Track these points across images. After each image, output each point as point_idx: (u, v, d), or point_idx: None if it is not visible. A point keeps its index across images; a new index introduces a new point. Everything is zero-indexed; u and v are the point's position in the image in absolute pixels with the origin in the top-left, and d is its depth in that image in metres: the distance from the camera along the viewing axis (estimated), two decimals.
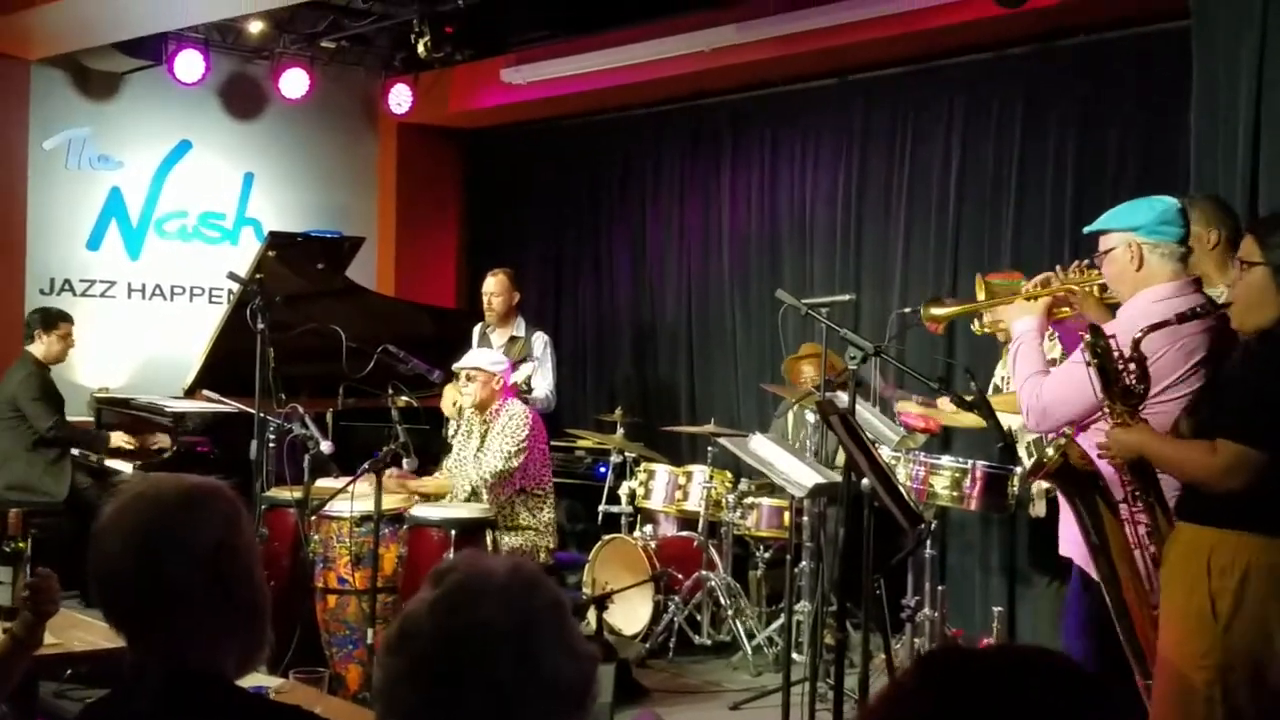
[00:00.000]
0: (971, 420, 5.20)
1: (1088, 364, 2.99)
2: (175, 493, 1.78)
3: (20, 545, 3.27)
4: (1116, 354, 2.97)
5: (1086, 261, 3.83)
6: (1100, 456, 2.99)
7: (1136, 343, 2.97)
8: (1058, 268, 3.93)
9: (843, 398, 4.81)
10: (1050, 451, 3.03)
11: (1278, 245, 2.77)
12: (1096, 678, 1.10)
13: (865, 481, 3.11)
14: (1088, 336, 2.99)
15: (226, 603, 1.76)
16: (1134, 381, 2.96)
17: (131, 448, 6.54)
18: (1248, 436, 2.72)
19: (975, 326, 3.87)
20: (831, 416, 3.10)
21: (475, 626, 1.46)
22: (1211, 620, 2.73)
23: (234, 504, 1.84)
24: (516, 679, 1.45)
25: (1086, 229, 3.53)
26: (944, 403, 4.82)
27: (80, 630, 3.45)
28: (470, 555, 1.87)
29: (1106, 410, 2.99)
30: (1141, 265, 3.26)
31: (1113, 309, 3.49)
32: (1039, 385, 3.32)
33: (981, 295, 3.82)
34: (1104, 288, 3.63)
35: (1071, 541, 3.43)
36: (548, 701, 1.47)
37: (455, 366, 5.54)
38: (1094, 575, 3.29)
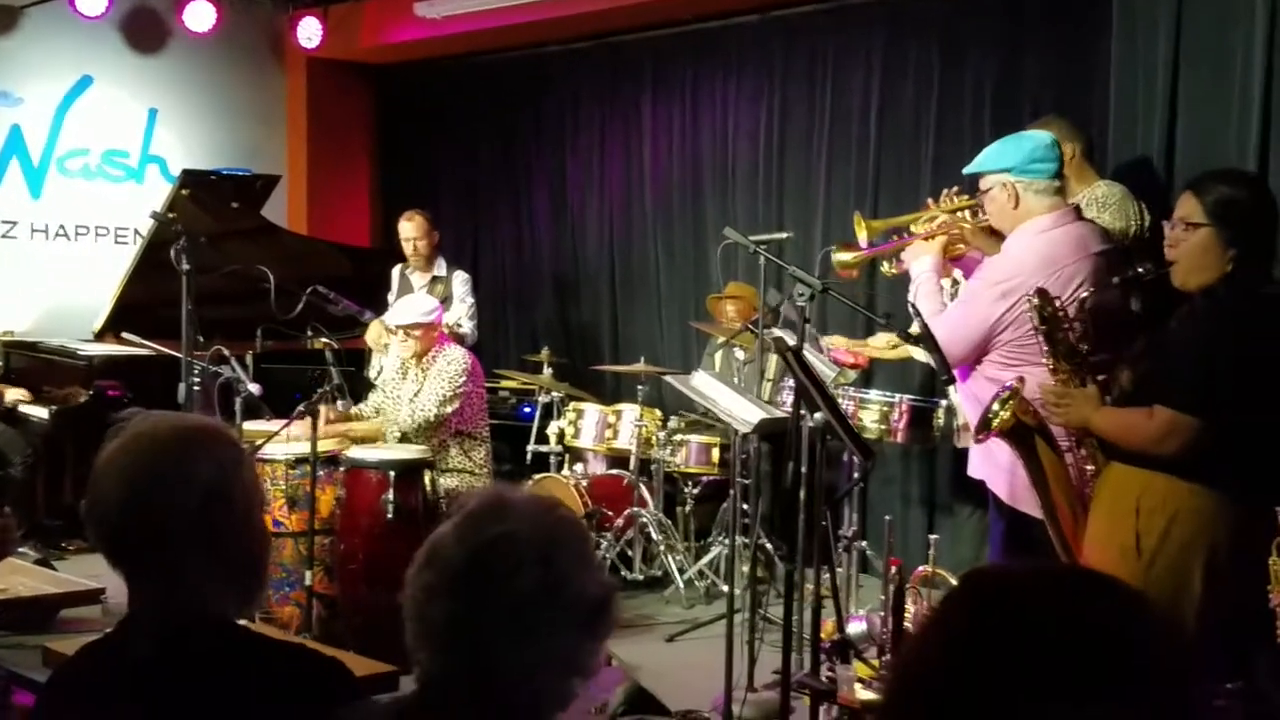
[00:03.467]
0: (897, 354, 5.32)
1: (1035, 328, 3.10)
2: (172, 434, 1.76)
3: None
4: (1062, 314, 3.07)
5: (956, 189, 3.97)
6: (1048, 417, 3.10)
7: (1083, 302, 3.08)
8: (929, 200, 4.05)
9: (776, 333, 4.88)
10: (996, 407, 3.13)
11: (1218, 203, 2.85)
12: (1136, 592, 1.11)
13: (818, 416, 3.17)
14: (1035, 300, 3.10)
15: (221, 546, 1.75)
16: (1077, 340, 3.08)
17: (28, 401, 6.36)
18: (1184, 403, 2.81)
19: (885, 268, 3.98)
20: (785, 352, 3.15)
21: (501, 537, 1.51)
22: (1135, 555, 2.84)
23: (234, 447, 1.82)
24: (540, 591, 1.49)
25: (965, 170, 3.66)
26: (876, 337, 4.93)
27: (22, 575, 3.38)
28: (491, 487, 1.88)
29: (1050, 369, 3.10)
30: (1018, 203, 3.42)
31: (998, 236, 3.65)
32: (936, 326, 3.45)
33: (862, 235, 3.94)
34: (974, 212, 3.79)
35: (982, 463, 3.56)
36: (568, 619, 1.52)
37: (391, 323, 5.45)
38: (1005, 500, 3.43)
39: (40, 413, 6.29)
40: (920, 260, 3.65)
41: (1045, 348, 3.09)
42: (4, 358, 6.84)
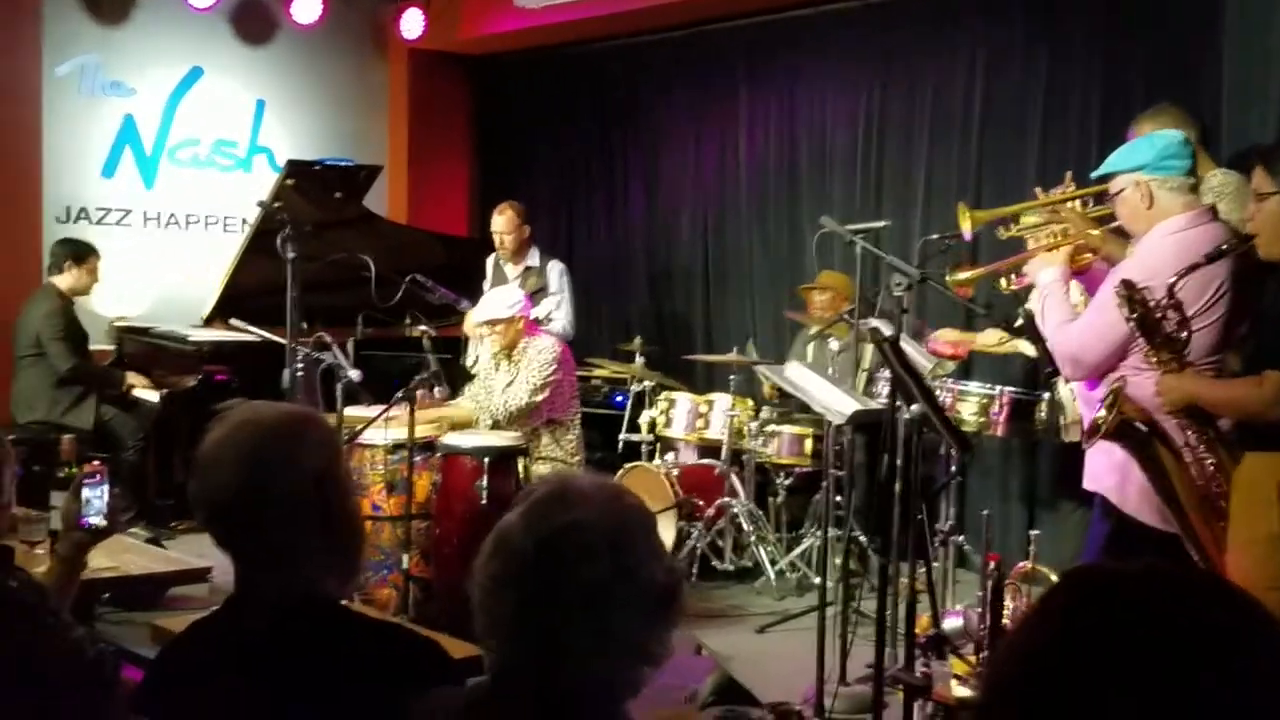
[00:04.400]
0: (1006, 349, 5.23)
1: (1127, 319, 3.03)
2: (279, 420, 1.81)
3: (73, 471, 3.30)
4: (1153, 303, 3.00)
5: (1069, 175, 3.84)
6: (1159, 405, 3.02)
7: (1172, 288, 3.00)
8: (1037, 189, 3.94)
9: (873, 323, 4.83)
10: (1103, 412, 3.06)
11: None
12: (1244, 595, 1.07)
13: (914, 407, 3.14)
14: (1123, 292, 3.02)
15: (329, 526, 1.80)
16: (1175, 328, 3.00)
17: (147, 388, 6.55)
18: None
19: (1003, 285, 3.89)
20: (882, 343, 3.12)
21: (570, 527, 1.50)
22: None
23: (330, 430, 1.87)
24: (613, 579, 1.48)
25: (1094, 174, 3.56)
26: (985, 334, 4.85)
27: (133, 554, 3.49)
28: (556, 474, 1.88)
29: (1154, 360, 3.03)
30: (1152, 203, 3.30)
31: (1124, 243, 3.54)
32: (1068, 334, 3.36)
33: (965, 225, 3.85)
34: (1084, 203, 3.67)
35: (1095, 475, 3.47)
36: (642, 605, 1.51)
37: (474, 320, 5.53)
38: (1115, 502, 3.34)
39: (151, 396, 6.49)
40: (1046, 271, 3.55)
41: (1141, 338, 3.02)
42: (117, 342, 7.06)
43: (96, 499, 2.47)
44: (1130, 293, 3.02)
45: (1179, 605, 1.01)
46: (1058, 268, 3.52)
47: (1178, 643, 0.96)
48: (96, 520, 2.47)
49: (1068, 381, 4.28)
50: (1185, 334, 3.02)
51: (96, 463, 2.53)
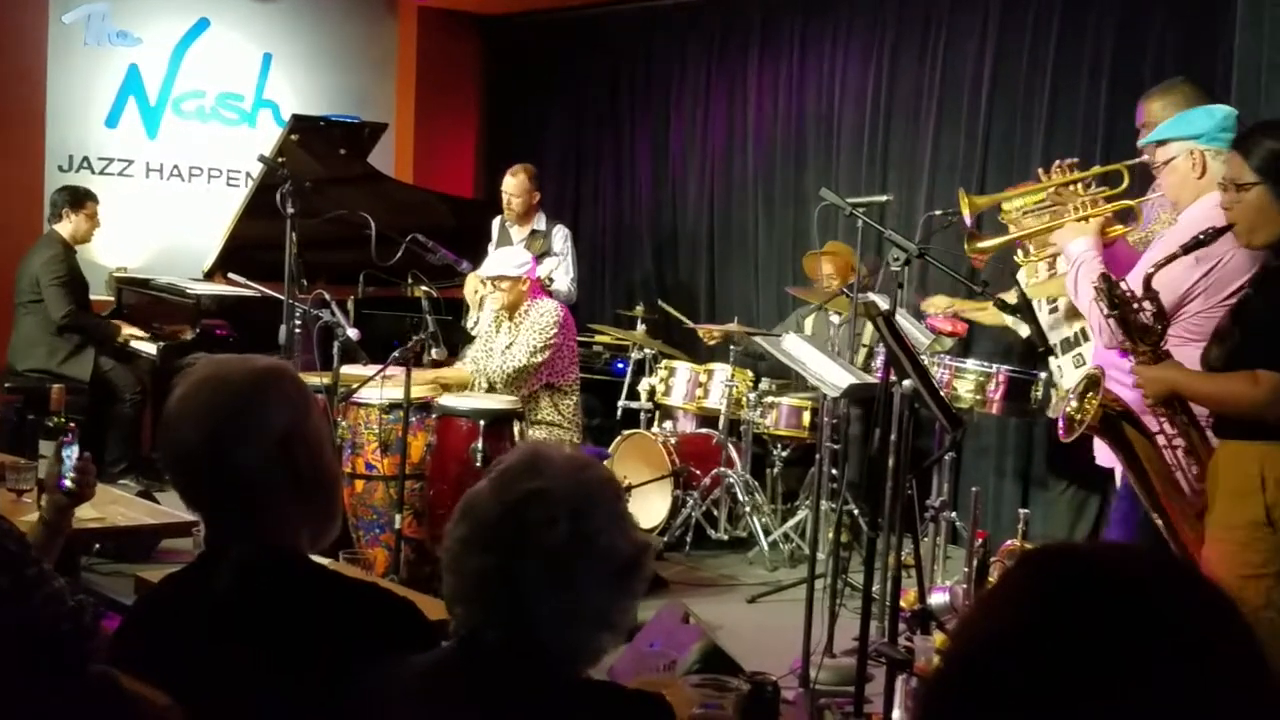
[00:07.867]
0: (996, 318, 5.20)
1: (1105, 316, 3.00)
2: (243, 377, 1.78)
3: (61, 421, 3.29)
4: (1129, 294, 2.98)
5: (1072, 161, 3.80)
6: (1140, 391, 3.00)
7: (1148, 280, 2.98)
8: (1040, 170, 3.90)
9: (870, 297, 4.81)
10: (1076, 404, 3.03)
11: (1265, 159, 2.79)
12: (1214, 582, 1.07)
13: (907, 383, 3.12)
14: (1100, 285, 3.00)
15: (297, 484, 1.78)
16: (1150, 320, 2.97)
17: (143, 338, 6.55)
18: None
19: (1019, 258, 3.85)
20: (876, 317, 3.10)
21: (533, 494, 1.53)
22: (1267, 529, 2.75)
23: (300, 385, 1.84)
24: (572, 547, 1.52)
25: (1142, 141, 3.53)
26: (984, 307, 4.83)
27: (121, 506, 3.50)
28: (528, 444, 1.90)
29: (1130, 351, 3.01)
30: (1204, 173, 3.29)
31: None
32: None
33: (966, 211, 3.82)
34: (1087, 186, 3.63)
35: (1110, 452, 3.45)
36: (600, 574, 1.54)
37: (480, 274, 5.53)
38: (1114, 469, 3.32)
39: (149, 349, 6.49)
40: (1078, 240, 3.52)
41: (1119, 332, 3.00)
42: (117, 293, 7.05)
43: (68, 459, 2.48)
44: (1110, 288, 3.00)
45: (1141, 589, 1.01)
46: (1089, 238, 3.50)
47: (1137, 627, 0.95)
48: (68, 482, 2.48)
49: (1044, 348, 4.24)
50: (1162, 325, 3.00)
51: (72, 424, 2.53)
